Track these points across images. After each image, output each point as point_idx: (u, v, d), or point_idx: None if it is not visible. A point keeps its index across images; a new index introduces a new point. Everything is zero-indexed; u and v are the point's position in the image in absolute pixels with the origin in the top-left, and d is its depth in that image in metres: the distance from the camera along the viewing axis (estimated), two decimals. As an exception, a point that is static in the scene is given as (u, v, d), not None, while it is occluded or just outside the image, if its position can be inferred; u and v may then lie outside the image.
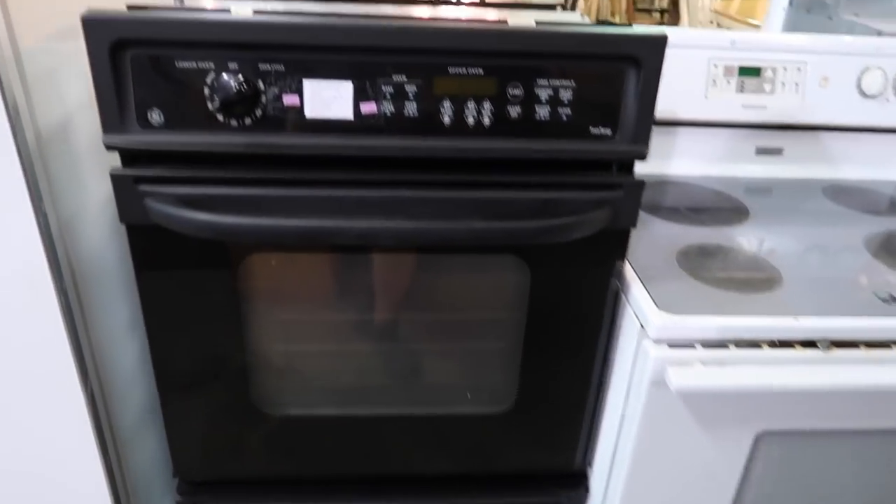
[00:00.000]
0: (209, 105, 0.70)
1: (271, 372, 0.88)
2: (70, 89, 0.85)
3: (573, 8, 3.32)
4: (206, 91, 0.69)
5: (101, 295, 0.95)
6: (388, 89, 0.70)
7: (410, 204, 0.74)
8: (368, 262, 0.82)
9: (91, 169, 0.92)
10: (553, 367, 0.89)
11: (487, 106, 0.72)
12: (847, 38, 1.14)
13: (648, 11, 5.34)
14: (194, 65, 0.68)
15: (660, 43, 0.69)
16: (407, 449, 0.93)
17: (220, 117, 0.70)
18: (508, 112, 0.72)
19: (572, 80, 0.71)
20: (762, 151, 1.19)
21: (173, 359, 0.84)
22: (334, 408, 0.90)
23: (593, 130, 0.73)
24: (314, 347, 0.89)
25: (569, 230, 0.75)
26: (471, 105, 0.71)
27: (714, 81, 1.12)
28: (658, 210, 1.04)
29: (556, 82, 0.71)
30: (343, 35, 0.68)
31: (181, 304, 0.80)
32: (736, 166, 1.19)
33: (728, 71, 1.12)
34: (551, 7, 3.21)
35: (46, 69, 0.79)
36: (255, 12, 0.73)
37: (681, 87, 1.12)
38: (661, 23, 4.92)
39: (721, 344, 0.78)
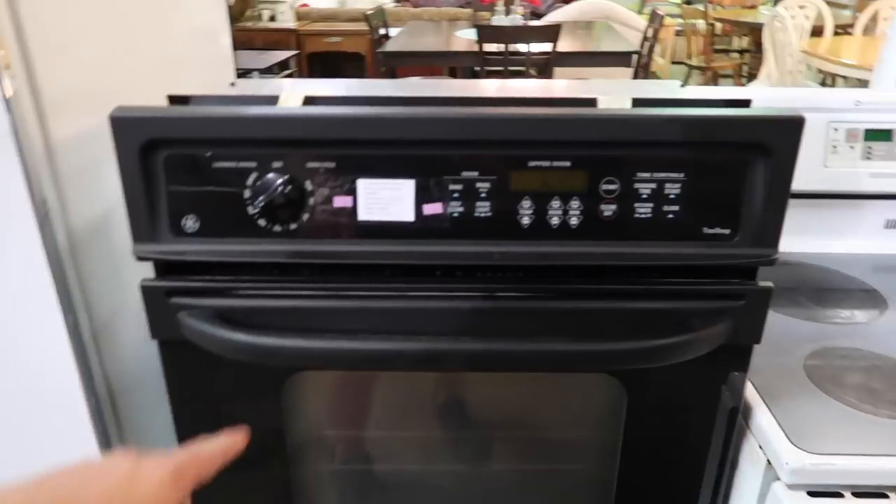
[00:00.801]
0: (250, 209, 0.60)
1: (322, 498, 0.76)
2: (108, 185, 0.78)
3: (651, 51, 3.18)
4: (247, 193, 0.60)
5: (140, 402, 0.87)
6: (455, 187, 0.59)
7: (482, 319, 0.62)
8: (428, 378, 0.71)
9: (131, 269, 0.84)
10: (654, 499, 0.74)
11: (575, 204, 0.59)
12: None
13: (726, 52, 5.14)
14: (234, 164, 0.59)
15: (795, 126, 0.55)
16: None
17: (261, 222, 0.61)
18: (601, 211, 0.59)
19: (682, 173, 0.58)
20: (893, 225, 1.01)
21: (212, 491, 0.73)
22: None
23: (707, 231, 0.60)
24: (370, 473, 0.77)
25: (674, 351, 0.61)
26: (555, 203, 0.59)
27: (834, 147, 0.96)
28: (774, 298, 0.88)
29: (661, 175, 0.58)
30: (403, 127, 0.58)
31: (218, 423, 0.70)
32: (862, 242, 1.02)
33: (851, 135, 0.96)
34: (628, 55, 3.08)
35: (81, 164, 0.73)
36: (307, 99, 0.64)
37: (793, 154, 0.97)
38: (742, 65, 4.70)
39: (879, 493, 0.62)
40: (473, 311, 0.62)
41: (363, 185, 0.60)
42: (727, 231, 0.60)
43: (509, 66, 3.00)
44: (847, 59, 3.31)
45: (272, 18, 4.81)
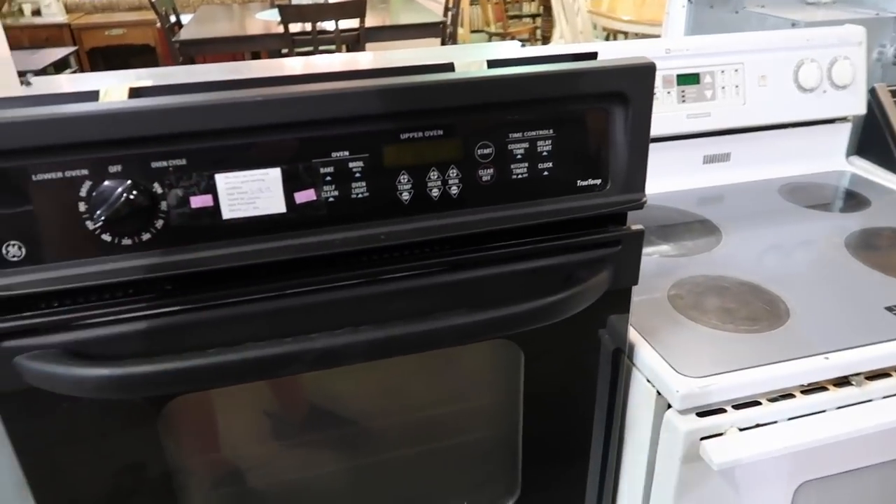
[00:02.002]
0: (89, 224, 0.51)
1: (219, 531, 0.70)
2: None
3: (455, 20, 3.23)
4: (82, 207, 0.51)
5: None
6: (327, 170, 0.55)
7: (376, 305, 0.59)
8: (320, 376, 0.66)
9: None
10: (557, 451, 0.75)
11: (453, 172, 0.58)
12: (780, 34, 1.09)
13: (519, 17, 5.40)
14: (60, 175, 0.50)
15: (648, 73, 0.58)
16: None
17: (106, 238, 0.52)
18: (479, 176, 0.58)
19: (550, 129, 0.58)
20: (710, 160, 1.12)
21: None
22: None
23: (581, 183, 0.61)
24: (268, 483, 0.71)
25: (568, 305, 0.62)
26: (433, 174, 0.57)
27: (655, 94, 1.03)
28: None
29: (532, 133, 0.58)
30: (260, 111, 0.52)
31: (87, 480, 0.61)
32: (685, 178, 1.11)
33: (667, 81, 1.04)
34: (436, 25, 3.10)
35: None
36: (133, 91, 0.56)
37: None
38: (535, 29, 4.97)
39: (753, 401, 0.68)
40: (363, 298, 0.59)
41: (223, 179, 0.53)
42: (598, 181, 0.61)
43: (319, 46, 2.91)
44: (626, 16, 3.62)
45: (36, 13, 4.25)
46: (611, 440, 0.77)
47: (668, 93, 1.05)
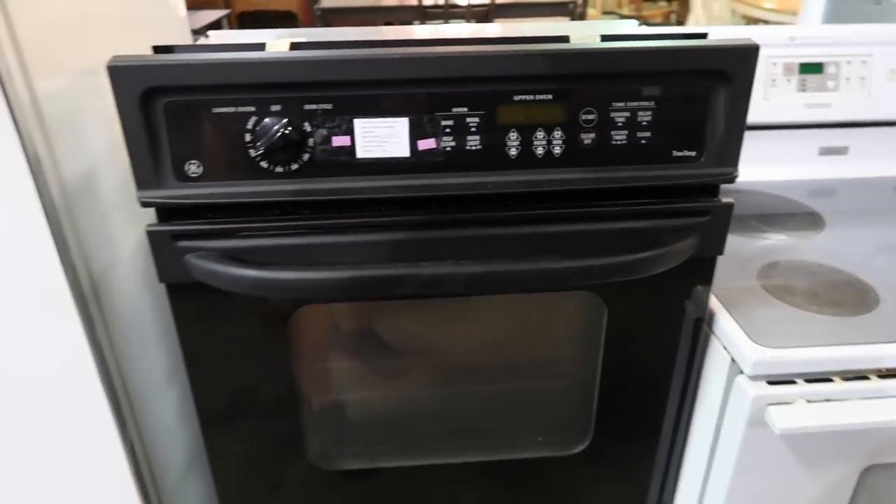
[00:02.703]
0: (251, 152, 0.63)
1: (326, 425, 0.81)
2: (92, 135, 0.79)
3: (585, 1, 3.22)
4: (248, 137, 0.63)
5: (138, 348, 0.89)
6: (447, 123, 0.64)
7: (478, 245, 0.67)
8: (430, 305, 0.76)
9: (120, 218, 0.85)
10: (631, 406, 0.81)
11: (558, 134, 0.64)
12: (915, 27, 1.06)
13: (654, 1, 5.24)
14: (233, 110, 0.62)
15: (752, 54, 0.62)
16: (475, 497, 0.86)
17: (263, 164, 0.64)
18: (581, 140, 0.65)
19: (652, 101, 0.64)
20: (826, 152, 1.11)
21: (222, 418, 0.77)
22: (398, 460, 0.83)
23: (676, 153, 0.66)
24: (372, 397, 0.82)
25: (652, 264, 0.67)
26: (539, 134, 0.64)
27: (773, 81, 1.05)
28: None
29: (634, 104, 0.64)
30: (395, 67, 0.61)
31: (229, 363, 0.74)
32: (799, 168, 1.11)
33: (788, 69, 1.05)
34: (565, 4, 3.12)
35: (65, 114, 0.73)
36: (294, 45, 0.67)
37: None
38: (670, 13, 4.82)
39: (825, 378, 0.71)
40: (470, 238, 0.67)
41: (360, 124, 0.63)
42: (693, 153, 0.66)
43: (449, 19, 3.01)
44: (768, 5, 3.45)
45: (197, -24, 4.62)
46: (685, 402, 0.82)
47: (788, 80, 1.06)
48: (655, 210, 0.68)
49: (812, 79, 1.05)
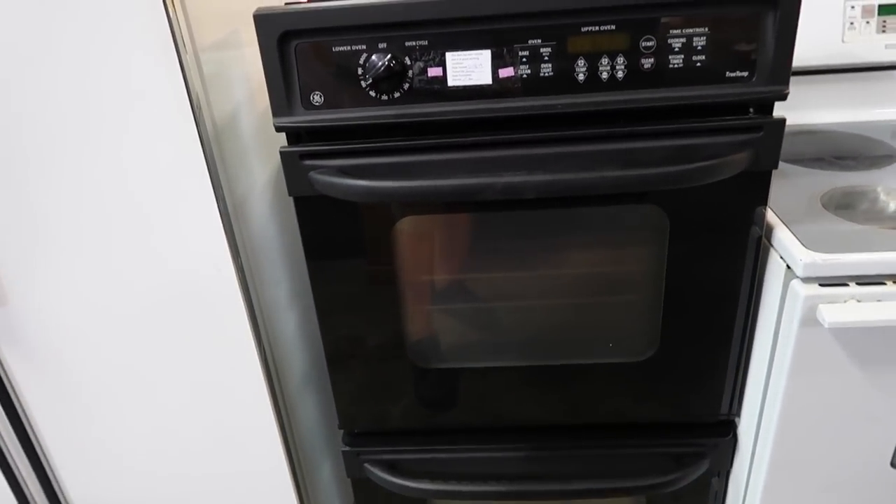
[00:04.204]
0: (362, 83, 0.77)
1: (423, 327, 0.95)
2: (235, 84, 0.96)
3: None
4: (360, 70, 0.77)
5: (268, 269, 1.07)
6: (523, 53, 0.75)
7: (550, 159, 0.78)
8: (511, 222, 0.87)
9: (255, 155, 1.03)
10: (695, 314, 0.90)
11: (620, 60, 0.74)
12: None
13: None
14: (349, 48, 0.76)
15: (795, -23, 0.69)
16: (552, 399, 0.97)
17: (371, 93, 0.77)
18: (642, 64, 0.74)
19: (706, 27, 0.72)
20: (909, 91, 1.13)
21: (337, 318, 0.93)
22: (481, 361, 0.95)
23: (730, 74, 0.74)
24: (463, 306, 0.95)
25: (708, 172, 0.76)
26: (604, 61, 0.75)
27: (851, 23, 1.08)
28: (800, 160, 1.02)
29: (689, 30, 0.73)
30: (480, 6, 0.73)
31: (342, 267, 0.89)
32: (883, 110, 1.14)
33: (866, 11, 1.08)
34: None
35: (217, 68, 0.90)
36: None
37: (814, 33, 1.09)
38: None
39: (877, 281, 0.76)
40: (543, 154, 0.79)
41: (450, 57, 0.76)
42: (745, 73, 0.74)
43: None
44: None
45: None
46: (748, 313, 0.89)
47: (868, 22, 1.08)
48: (711, 127, 0.77)
49: (892, 20, 1.08)
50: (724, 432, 0.98)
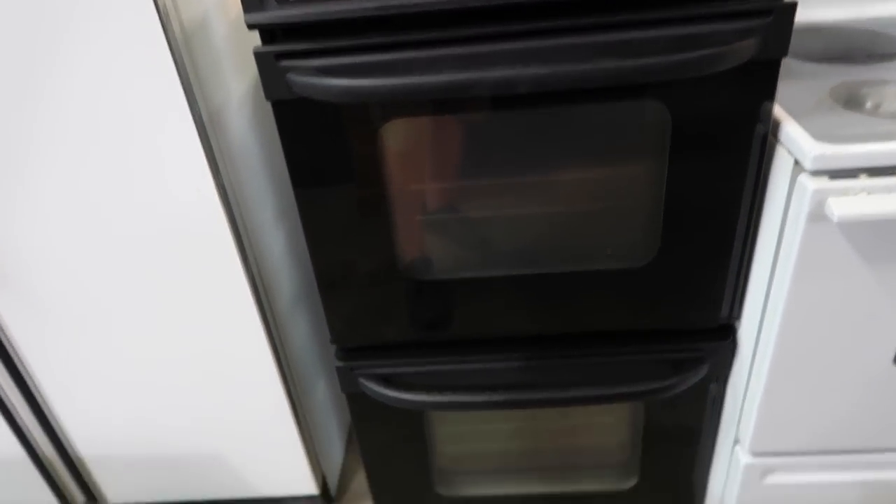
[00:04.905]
0: (337, -30, 0.70)
1: (415, 237, 0.92)
2: (204, -16, 0.89)
3: None
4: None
5: (250, 187, 1.02)
6: (515, -70, 0.68)
7: (545, 52, 0.73)
8: (504, 124, 0.82)
9: (229, 64, 0.96)
10: (697, 217, 0.86)
11: (621, -65, 0.68)
12: None
13: None
14: (322, -70, 0.69)
15: None
16: (549, 307, 0.95)
17: (350, -19, 0.71)
18: (644, -61, 0.68)
19: None
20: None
21: (324, 230, 0.89)
22: (476, 271, 0.93)
23: (738, -52, 0.68)
24: (454, 214, 0.91)
25: (713, 61, 0.71)
26: (603, -64, 0.68)
27: None
28: (808, 55, 0.97)
29: None
30: None
31: (327, 177, 0.84)
32: (891, 5, 1.07)
33: None
34: None
35: (182, -36, 0.83)
36: None
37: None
38: None
39: (888, 171, 0.73)
40: (536, 47, 0.73)
41: (434, -63, 0.69)
42: (757, -53, 0.68)
43: None
44: None
45: None
46: (752, 214, 0.86)
47: None
48: (716, 12, 0.71)
49: None
50: (723, 336, 0.97)
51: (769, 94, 0.77)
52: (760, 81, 0.76)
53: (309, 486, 1.30)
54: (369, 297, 0.94)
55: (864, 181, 0.73)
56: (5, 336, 1.08)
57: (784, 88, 0.86)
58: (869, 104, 0.81)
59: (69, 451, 1.23)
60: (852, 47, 1.00)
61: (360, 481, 1.45)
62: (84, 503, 1.33)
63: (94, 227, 0.95)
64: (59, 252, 0.98)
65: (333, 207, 0.87)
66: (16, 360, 1.10)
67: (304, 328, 1.24)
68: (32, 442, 1.21)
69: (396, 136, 0.82)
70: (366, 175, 0.84)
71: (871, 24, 1.07)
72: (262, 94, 1.05)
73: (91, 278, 1.00)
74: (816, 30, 1.07)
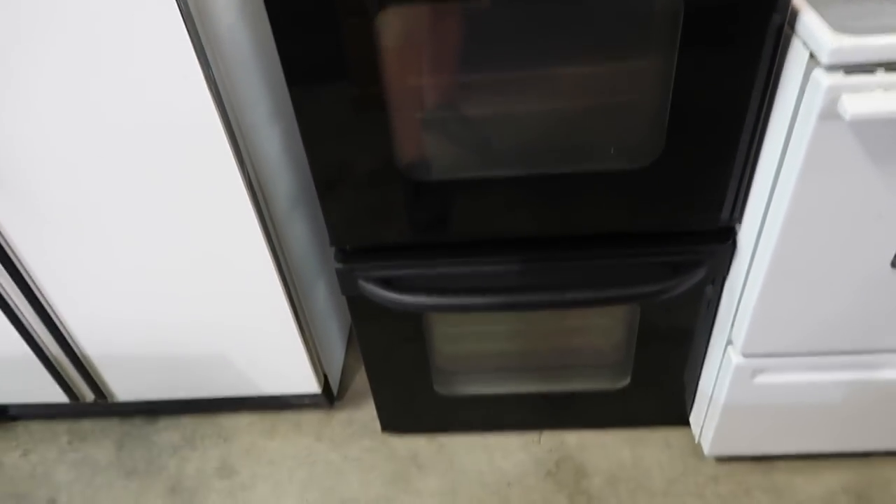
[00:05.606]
0: None
1: (414, 136, 0.89)
2: None
3: None
4: None
5: (243, 83, 0.98)
6: None
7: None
8: (504, 11, 0.78)
9: None
10: (704, 114, 0.83)
11: None
12: None
13: None
14: None
15: None
16: (549, 209, 0.94)
17: None
18: None
19: None
20: None
21: (320, 129, 0.86)
22: (476, 171, 0.91)
23: None
24: (454, 112, 0.88)
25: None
26: None
27: None
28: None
29: None
30: None
31: (322, 72, 0.81)
32: None
33: None
34: None
35: None
36: None
37: None
38: None
39: (908, 66, 0.70)
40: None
41: None
42: None
43: None
44: None
45: None
46: (760, 113, 0.83)
47: None
48: None
49: None
50: (723, 239, 0.97)
51: (788, -14, 0.73)
52: (779, -33, 0.72)
53: (311, 385, 1.33)
54: (367, 197, 0.93)
55: (881, 77, 0.70)
56: (6, 240, 1.07)
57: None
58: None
59: (76, 350, 1.26)
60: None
61: (360, 380, 1.49)
62: (94, 400, 1.36)
63: (88, 124, 0.92)
64: (55, 152, 0.95)
65: (330, 105, 0.84)
66: (17, 263, 1.10)
67: (302, 230, 1.24)
68: (39, 342, 1.23)
69: (393, 26, 0.78)
70: (362, 70, 0.80)
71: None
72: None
73: (87, 180, 0.99)
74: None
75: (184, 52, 0.84)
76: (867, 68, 0.70)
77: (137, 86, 0.87)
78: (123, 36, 0.82)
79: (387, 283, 1.01)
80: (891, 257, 0.87)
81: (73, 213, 1.03)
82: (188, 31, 0.82)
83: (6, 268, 1.10)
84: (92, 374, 1.31)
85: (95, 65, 0.85)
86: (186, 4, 0.81)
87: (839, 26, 0.71)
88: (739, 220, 0.95)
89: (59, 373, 1.29)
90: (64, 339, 1.22)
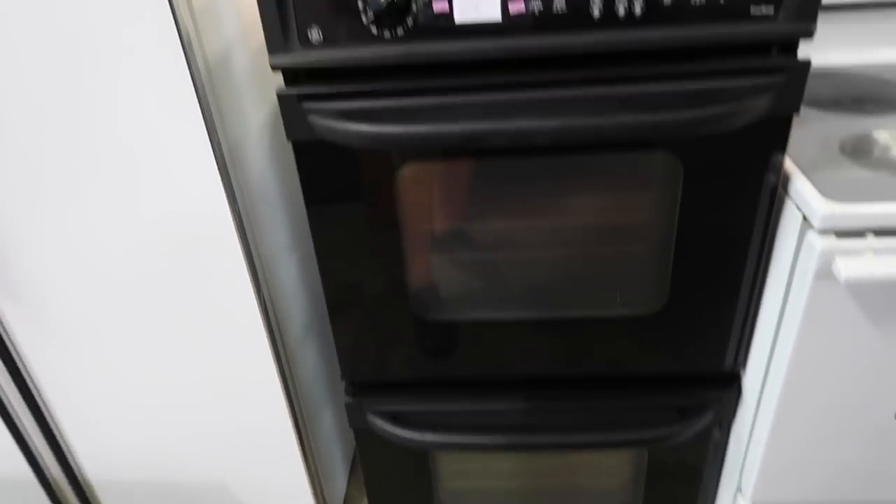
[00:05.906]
0: (363, 18, 0.72)
1: (428, 280, 0.93)
2: (228, 22, 0.91)
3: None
4: (360, 4, 0.72)
5: (265, 217, 1.04)
6: (535, -14, 0.70)
7: (563, 103, 0.75)
8: (518, 168, 0.84)
9: (250, 97, 0.98)
10: (706, 267, 0.87)
11: (639, -6, 0.70)
12: None
13: None
14: (348, -21, 0.71)
15: None
16: (556, 351, 0.96)
17: (373, 30, 0.73)
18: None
19: (730, -41, 0.67)
20: (935, 34, 1.08)
21: (339, 267, 0.90)
22: (486, 313, 0.94)
23: (754, 11, 0.70)
24: (466, 256, 0.92)
25: (727, 118, 0.72)
26: (621, -5, 0.70)
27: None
28: (816, 102, 0.98)
29: (713, -38, 0.68)
30: (490, -66, 0.68)
31: (344, 216, 0.86)
32: (903, 53, 1.09)
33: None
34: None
35: (207, 2, 0.85)
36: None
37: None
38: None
39: (895, 232, 0.74)
40: (555, 97, 0.75)
41: (457, -10, 0.71)
42: (771, 10, 0.69)
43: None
44: None
45: None
46: (759, 265, 0.87)
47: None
48: (732, 68, 0.73)
49: (921, -44, 1.02)
50: (728, 384, 0.98)
51: (780, 148, 0.79)
52: (772, 136, 0.78)
53: (311, 514, 1.30)
54: (380, 333, 0.96)
55: (870, 241, 0.74)
56: (18, 355, 1.09)
57: (793, 137, 0.87)
58: (878, 156, 0.82)
59: (76, 471, 1.24)
60: (862, 94, 1.01)
61: (361, 510, 1.45)
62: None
63: (109, 246, 0.96)
64: (73, 271, 0.99)
65: (348, 244, 0.88)
66: (24, 373, 1.11)
67: (313, 358, 1.25)
68: (41, 463, 1.22)
69: (413, 176, 0.84)
70: (381, 214, 0.85)
71: (881, 71, 1.08)
72: (280, 125, 1.07)
73: (102, 299, 1.02)
74: (825, 75, 1.08)
75: (215, 191, 0.89)
76: (858, 233, 0.74)
77: (168, 216, 0.92)
78: (160, 170, 0.88)
79: (395, 419, 1.01)
80: (894, 411, 0.87)
81: (87, 327, 1.05)
82: (220, 174, 0.88)
83: (16, 383, 1.11)
84: (90, 498, 1.28)
85: (133, 192, 0.90)
86: (220, 146, 0.88)
87: (828, 191, 0.75)
88: (744, 366, 0.96)
89: (57, 498, 1.27)
90: (65, 459, 1.21)
